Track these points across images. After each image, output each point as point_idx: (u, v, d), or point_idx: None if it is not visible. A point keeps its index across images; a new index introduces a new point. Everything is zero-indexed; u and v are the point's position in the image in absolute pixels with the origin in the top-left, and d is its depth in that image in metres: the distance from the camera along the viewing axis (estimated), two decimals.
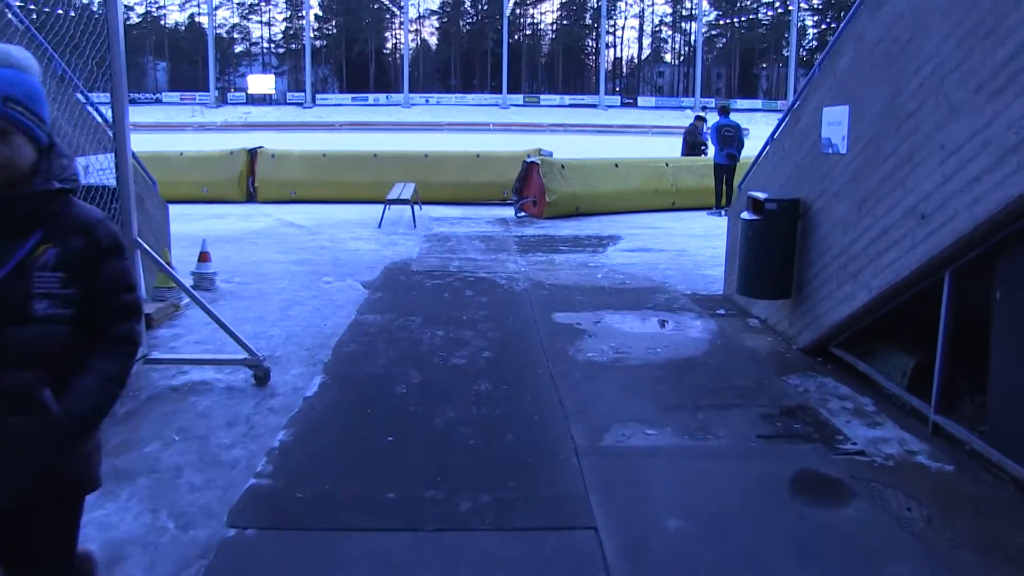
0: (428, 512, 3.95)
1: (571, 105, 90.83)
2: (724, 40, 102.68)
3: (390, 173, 17.15)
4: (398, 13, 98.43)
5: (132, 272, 2.34)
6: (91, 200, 5.42)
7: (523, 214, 15.75)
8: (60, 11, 5.18)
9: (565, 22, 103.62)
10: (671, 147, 29.71)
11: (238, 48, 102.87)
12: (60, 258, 2.15)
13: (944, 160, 4.71)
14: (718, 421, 5.23)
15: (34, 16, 5.92)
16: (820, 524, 3.95)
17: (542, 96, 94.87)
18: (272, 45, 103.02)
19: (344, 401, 5.48)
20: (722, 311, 8.14)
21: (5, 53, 2.14)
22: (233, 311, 7.78)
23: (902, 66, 5.27)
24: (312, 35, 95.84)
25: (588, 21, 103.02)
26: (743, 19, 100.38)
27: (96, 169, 6.59)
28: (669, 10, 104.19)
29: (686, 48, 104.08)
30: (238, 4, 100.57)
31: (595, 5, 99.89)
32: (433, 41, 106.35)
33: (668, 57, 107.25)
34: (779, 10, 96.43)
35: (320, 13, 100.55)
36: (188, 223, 13.66)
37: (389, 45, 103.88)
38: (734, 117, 17.38)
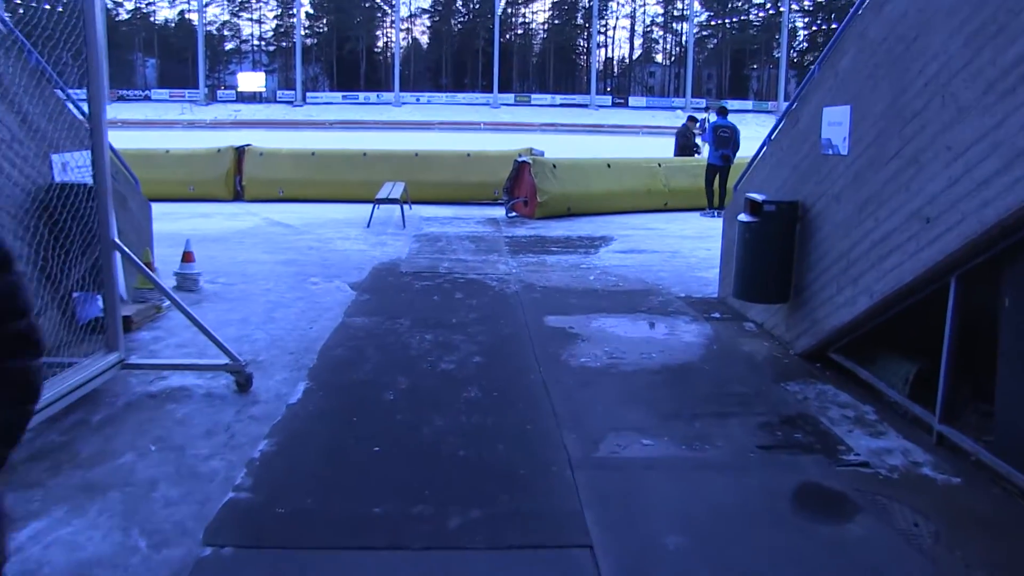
0: (415, 529, 3.76)
1: (562, 105, 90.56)
2: (715, 41, 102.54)
3: (380, 172, 16.94)
4: (389, 12, 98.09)
5: (22, 293, 1.78)
6: (67, 199, 5.22)
7: (514, 214, 15.56)
8: (35, 3, 4.97)
9: (556, 22, 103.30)
10: (662, 147, 29.55)
11: (228, 45, 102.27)
12: None
13: (951, 162, 4.55)
14: (716, 430, 5.06)
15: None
16: (824, 540, 3.79)
17: (533, 95, 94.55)
18: (262, 43, 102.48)
19: (329, 409, 5.29)
20: (717, 315, 7.97)
21: None
22: (216, 313, 7.59)
23: (907, 65, 5.11)
24: (303, 33, 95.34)
25: (579, 21, 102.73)
26: (734, 20, 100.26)
27: (75, 166, 6.40)
28: (660, 10, 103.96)
29: (677, 48, 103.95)
30: (228, 1, 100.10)
31: (586, 5, 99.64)
32: (424, 40, 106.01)
33: (659, 57, 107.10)
34: (770, 11, 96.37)
35: (311, 11, 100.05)
36: (173, 222, 13.45)
37: (380, 44, 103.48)
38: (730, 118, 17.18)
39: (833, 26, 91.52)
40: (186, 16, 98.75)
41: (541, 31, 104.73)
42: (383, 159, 18.31)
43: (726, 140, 16.29)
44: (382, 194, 14.12)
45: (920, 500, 4.16)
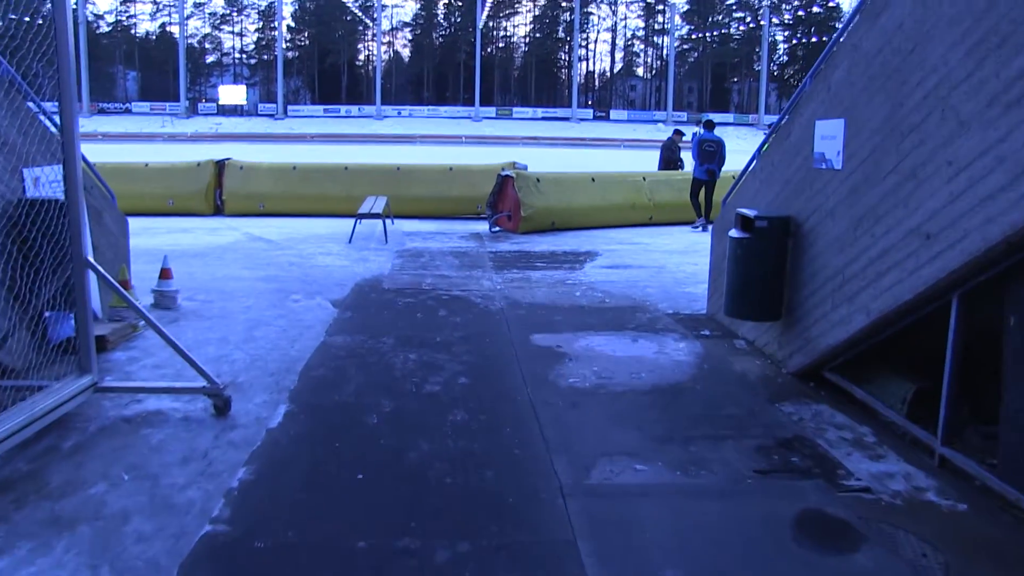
0: (402, 564, 3.58)
1: (544, 118, 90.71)
2: (696, 54, 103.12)
3: (361, 186, 16.75)
4: (371, 25, 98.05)
5: None
6: (38, 215, 5.02)
7: (498, 229, 15.40)
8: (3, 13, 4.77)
9: (538, 35, 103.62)
10: (643, 160, 29.56)
11: (209, 58, 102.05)
12: None
13: (952, 177, 4.42)
14: (711, 454, 4.89)
15: None
16: (831, 574, 3.63)
17: (515, 109, 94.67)
18: (244, 56, 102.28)
19: (310, 433, 5.09)
20: (707, 332, 7.82)
21: None
22: (195, 332, 7.38)
23: (904, 77, 4.98)
24: (284, 46, 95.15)
25: (561, 34, 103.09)
26: (715, 34, 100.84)
27: (48, 181, 6.18)
28: (642, 24, 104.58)
29: (658, 62, 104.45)
30: (210, 14, 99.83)
31: (568, 19, 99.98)
32: (406, 53, 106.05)
33: (640, 71, 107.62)
34: (750, 25, 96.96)
35: (292, 24, 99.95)
36: (152, 237, 13.25)
37: (362, 57, 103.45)
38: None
39: (813, 39, 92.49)
40: (167, 29, 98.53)
41: (523, 44, 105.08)
42: (365, 173, 18.12)
43: (711, 154, 16.16)
44: (364, 209, 13.92)
45: (927, 528, 4.00)
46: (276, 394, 5.76)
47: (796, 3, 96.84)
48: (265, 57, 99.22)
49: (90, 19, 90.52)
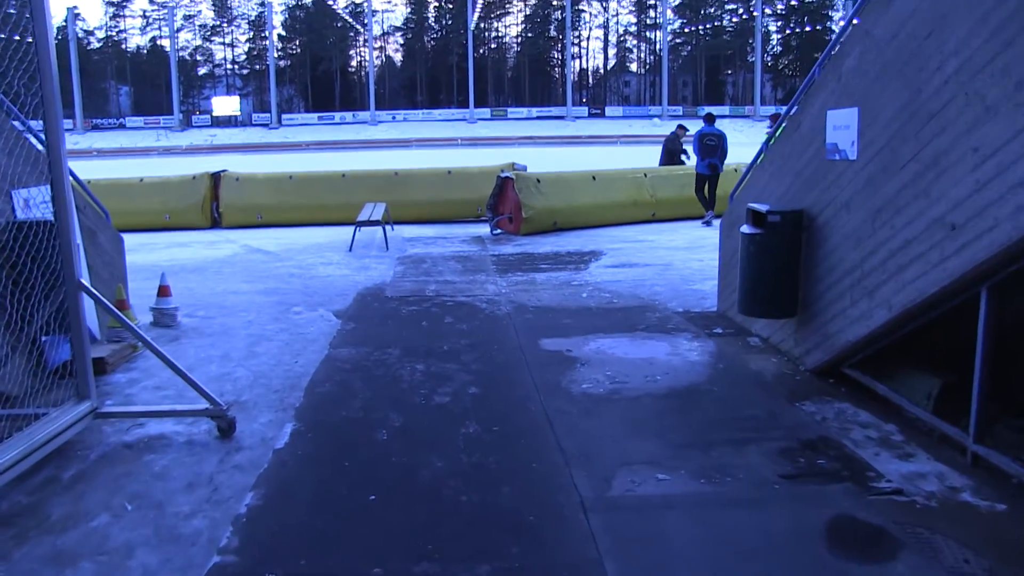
0: None
1: (539, 117, 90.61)
2: (689, 48, 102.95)
3: (359, 193, 16.58)
4: (362, 31, 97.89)
5: None
6: (27, 237, 4.84)
7: (499, 231, 15.22)
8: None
9: (530, 35, 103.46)
10: (640, 156, 29.37)
11: (201, 70, 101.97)
12: None
13: (979, 164, 4.24)
14: (734, 460, 4.72)
15: None
16: None
17: (509, 109, 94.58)
18: (236, 66, 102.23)
19: (318, 453, 4.91)
20: (719, 330, 7.65)
21: None
22: (196, 350, 7.21)
23: (921, 63, 4.80)
24: (276, 55, 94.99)
25: (553, 33, 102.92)
26: (707, 26, 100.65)
27: (39, 202, 6.02)
28: (634, 20, 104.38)
29: (652, 57, 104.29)
30: (200, 26, 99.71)
31: (559, 17, 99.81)
32: (398, 58, 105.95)
33: (634, 67, 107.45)
34: (743, 16, 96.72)
35: (283, 33, 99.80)
36: (149, 252, 13.10)
37: (354, 63, 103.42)
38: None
39: (807, 28, 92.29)
40: (158, 43, 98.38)
41: (515, 45, 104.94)
42: (362, 180, 17.96)
43: (713, 148, 15.96)
44: (363, 216, 13.75)
45: (965, 532, 3.82)
46: (281, 412, 5.58)
47: None
48: (257, 67, 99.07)
49: (80, 35, 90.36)
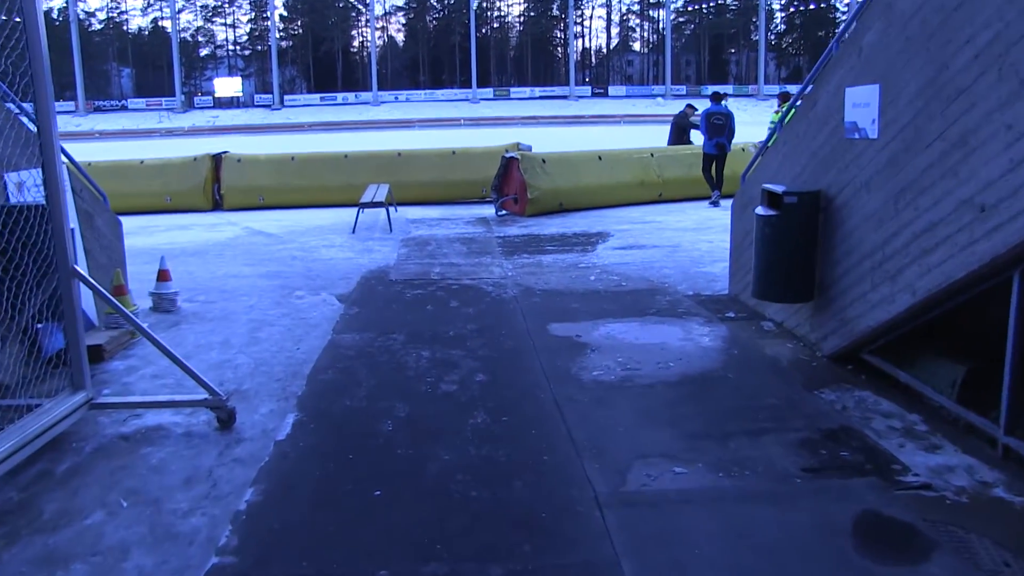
0: None
1: (542, 97, 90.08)
2: (692, 26, 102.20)
3: (363, 174, 16.37)
4: (364, 11, 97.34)
5: None
6: (17, 222, 4.64)
7: (504, 212, 15.01)
8: None
9: (532, 14, 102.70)
10: (644, 135, 29.11)
11: (203, 51, 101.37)
12: None
13: (1013, 143, 4.03)
14: (753, 451, 4.54)
15: None
16: None
17: (512, 89, 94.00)
18: (238, 47, 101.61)
19: (321, 445, 4.74)
20: (731, 314, 7.46)
21: None
22: (196, 336, 7.04)
23: (949, 36, 4.58)
24: (278, 36, 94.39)
25: (555, 12, 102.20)
26: (711, 5, 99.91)
27: (32, 185, 5.81)
28: None
29: (655, 36, 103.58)
30: (201, 7, 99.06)
31: None
32: (400, 38, 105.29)
33: (637, 46, 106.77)
34: None
35: (285, 13, 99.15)
36: (150, 235, 12.93)
37: (356, 43, 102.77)
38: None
39: (811, 7, 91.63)
40: (159, 24, 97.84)
41: (517, 24, 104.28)
42: (365, 160, 17.75)
43: (720, 128, 15.72)
44: (366, 197, 13.54)
45: (1001, 530, 3.64)
46: (283, 402, 5.41)
47: None
48: (259, 48, 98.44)
49: (82, 17, 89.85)
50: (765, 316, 7.28)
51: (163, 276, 8.02)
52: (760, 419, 5.02)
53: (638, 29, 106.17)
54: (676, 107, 20.07)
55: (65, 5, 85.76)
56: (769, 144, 7.55)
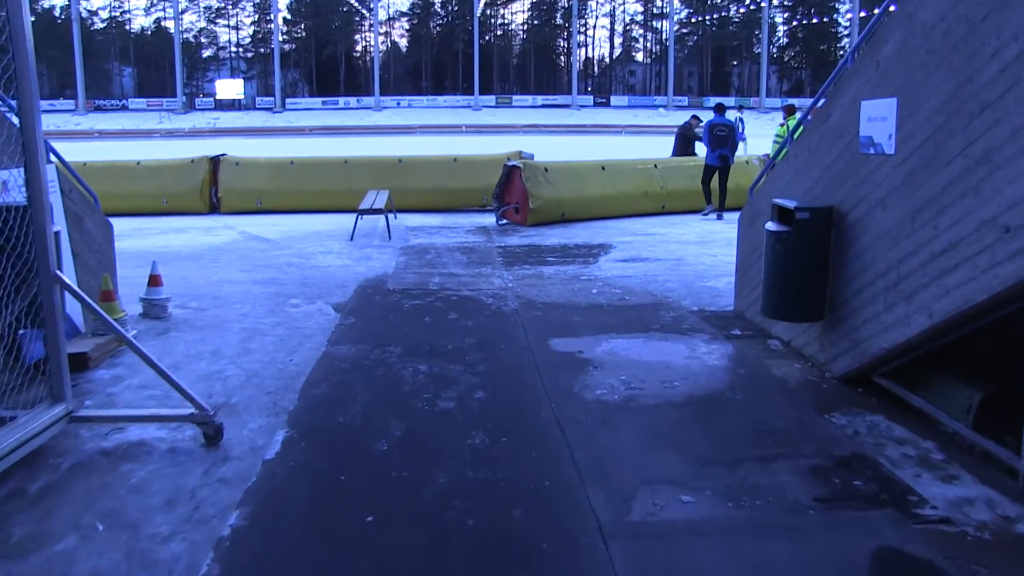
0: None
1: (544, 105, 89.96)
2: (695, 38, 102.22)
3: (362, 180, 16.17)
4: (367, 15, 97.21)
5: None
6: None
7: (505, 222, 14.81)
8: None
9: (536, 22, 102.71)
10: (646, 146, 28.94)
11: (206, 53, 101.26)
12: None
13: None
14: (763, 479, 4.34)
15: None
16: None
17: (514, 97, 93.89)
18: (240, 49, 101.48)
19: (312, 465, 4.52)
20: (737, 331, 7.26)
21: None
22: (186, 345, 6.83)
23: (974, 49, 4.39)
24: (281, 39, 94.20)
25: (559, 21, 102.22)
26: (714, 17, 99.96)
27: (17, 184, 5.61)
28: (640, 9, 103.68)
29: (657, 47, 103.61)
30: (205, 8, 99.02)
31: (566, 5, 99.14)
32: (403, 43, 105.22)
33: (640, 56, 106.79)
34: (750, 7, 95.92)
35: (288, 16, 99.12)
36: (144, 238, 12.74)
37: (359, 48, 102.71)
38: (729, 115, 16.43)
39: (814, 20, 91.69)
40: (162, 24, 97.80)
41: (521, 32, 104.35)
42: (365, 166, 17.56)
43: (723, 139, 15.55)
44: (366, 203, 13.34)
45: None
46: (273, 417, 5.20)
47: None
48: (262, 50, 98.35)
49: (84, 16, 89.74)
50: (772, 334, 7.08)
51: (154, 281, 7.80)
52: (769, 444, 4.82)
53: (641, 39, 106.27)
54: (678, 118, 19.90)
55: (67, 4, 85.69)
56: (778, 158, 7.35)
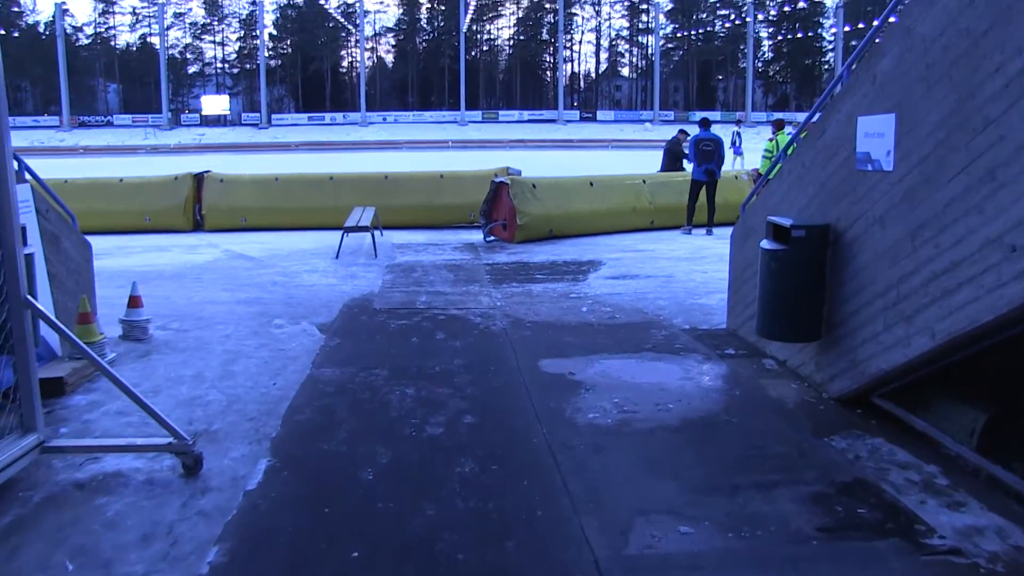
0: None
1: (530, 120, 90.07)
2: (681, 53, 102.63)
3: (348, 196, 15.98)
4: (353, 31, 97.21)
5: None
6: None
7: (492, 238, 14.66)
8: None
9: (522, 37, 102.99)
10: (632, 160, 28.89)
11: (192, 69, 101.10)
12: None
13: None
14: (764, 507, 4.18)
15: None
16: None
17: (501, 112, 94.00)
18: (226, 65, 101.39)
19: (295, 496, 4.34)
20: (731, 351, 7.11)
21: None
22: (166, 368, 6.64)
23: (975, 63, 4.27)
24: (267, 54, 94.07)
25: (545, 36, 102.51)
26: (699, 32, 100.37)
27: None
28: (626, 24, 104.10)
29: (643, 61, 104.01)
30: (190, 24, 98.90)
31: (552, 20, 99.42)
32: (389, 59, 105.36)
33: (626, 71, 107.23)
34: (735, 22, 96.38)
35: (274, 32, 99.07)
36: (126, 257, 12.54)
37: (345, 63, 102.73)
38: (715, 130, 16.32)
39: (798, 35, 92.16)
40: (148, 40, 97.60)
41: (507, 47, 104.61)
42: (351, 183, 17.41)
43: (709, 154, 15.43)
44: (351, 221, 13.17)
45: None
46: (256, 444, 5.01)
47: None
48: (247, 66, 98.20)
49: (68, 32, 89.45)
50: (767, 353, 6.94)
51: (134, 303, 7.61)
52: (768, 470, 4.66)
53: (627, 54, 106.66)
54: (664, 132, 19.82)
55: (52, 20, 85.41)
56: (771, 174, 7.23)
